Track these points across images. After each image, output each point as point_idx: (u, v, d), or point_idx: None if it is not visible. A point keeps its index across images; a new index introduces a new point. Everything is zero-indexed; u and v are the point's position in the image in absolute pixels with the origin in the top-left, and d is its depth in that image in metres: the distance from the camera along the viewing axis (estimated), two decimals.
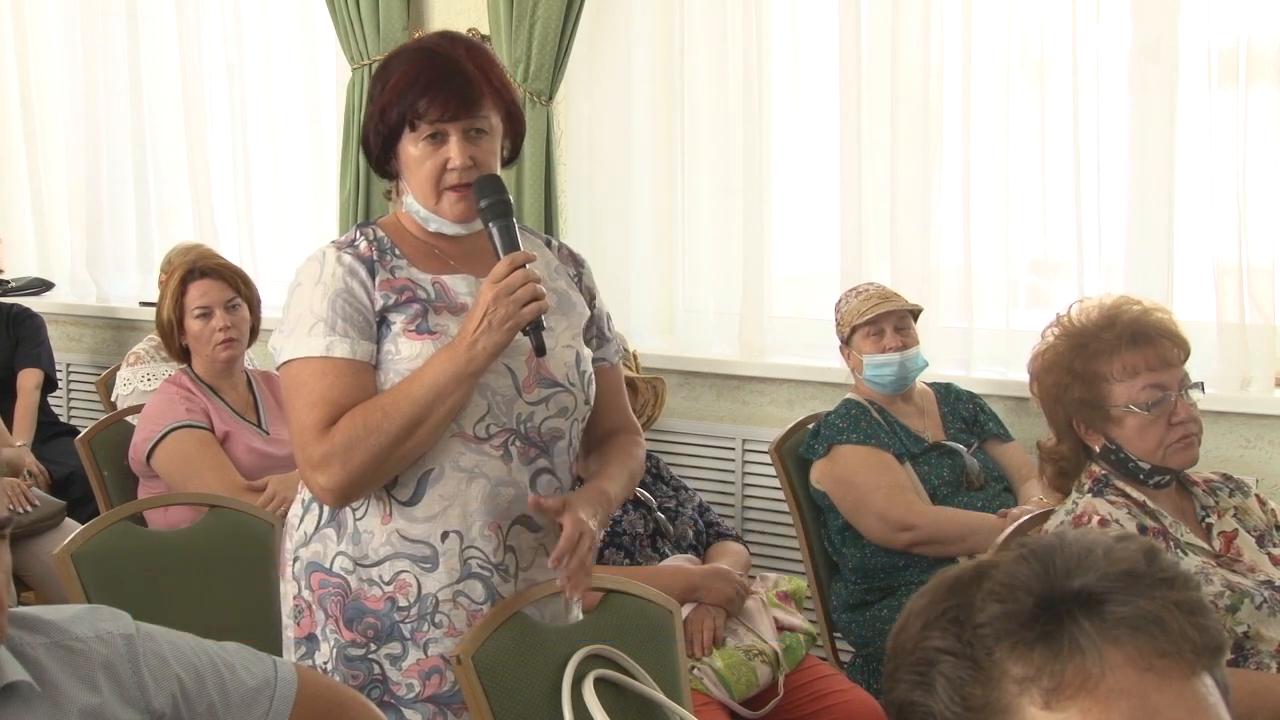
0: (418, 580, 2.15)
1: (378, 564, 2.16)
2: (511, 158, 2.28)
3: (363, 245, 2.20)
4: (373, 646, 2.16)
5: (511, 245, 2.13)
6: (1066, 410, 2.46)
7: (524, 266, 2.09)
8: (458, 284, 2.20)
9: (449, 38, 2.26)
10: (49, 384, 4.96)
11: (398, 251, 2.20)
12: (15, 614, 1.44)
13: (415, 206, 2.21)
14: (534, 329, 2.09)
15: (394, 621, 2.16)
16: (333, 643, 2.18)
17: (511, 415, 2.17)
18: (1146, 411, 2.38)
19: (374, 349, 2.15)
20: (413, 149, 2.17)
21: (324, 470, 2.10)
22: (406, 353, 2.14)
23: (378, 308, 2.15)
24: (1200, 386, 2.44)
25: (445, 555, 2.15)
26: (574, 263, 2.37)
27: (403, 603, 2.15)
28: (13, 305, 5.07)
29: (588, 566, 2.18)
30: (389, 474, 2.13)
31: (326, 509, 2.20)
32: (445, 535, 2.15)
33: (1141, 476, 2.41)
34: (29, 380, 4.87)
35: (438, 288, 2.19)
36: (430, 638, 2.16)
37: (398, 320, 2.15)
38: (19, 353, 4.92)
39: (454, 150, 2.14)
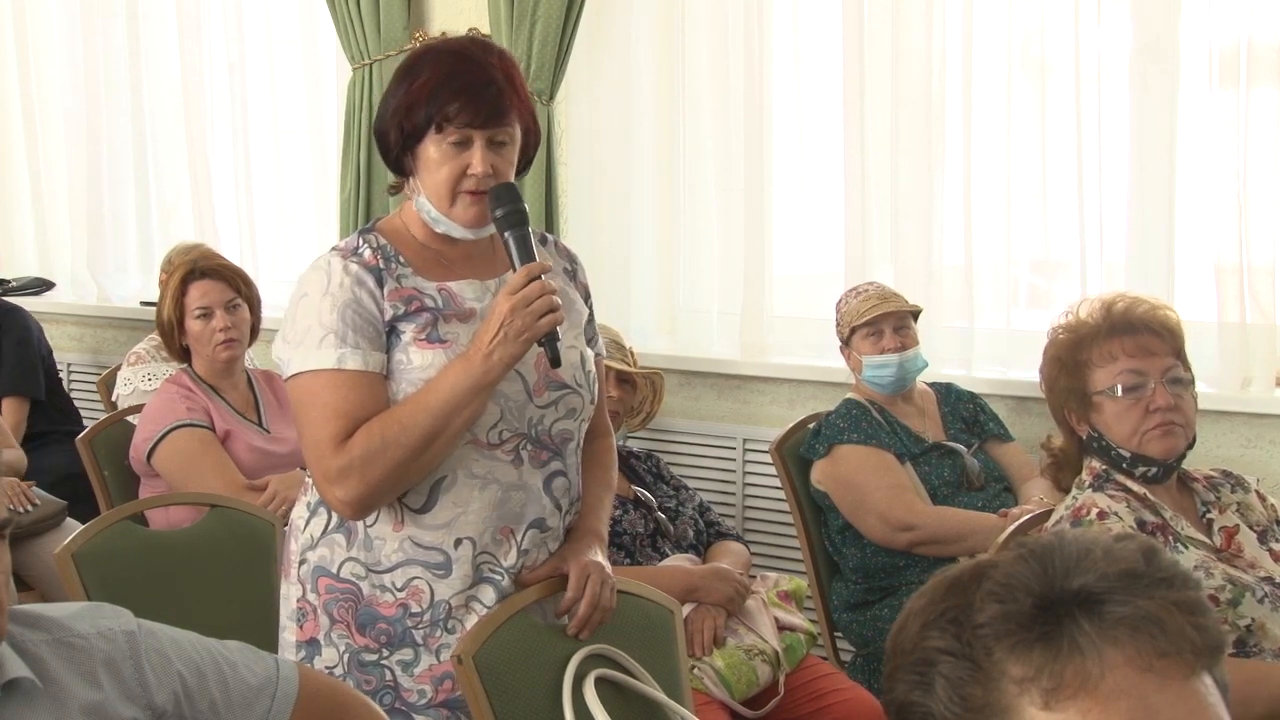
0: (430, 587, 2.15)
1: (390, 570, 2.16)
2: (521, 170, 2.28)
3: (367, 253, 2.18)
4: (385, 652, 2.16)
5: (528, 255, 2.13)
6: (1058, 399, 2.48)
7: (540, 277, 2.09)
8: (464, 290, 2.20)
9: (481, 44, 2.25)
10: (40, 398, 4.55)
11: (402, 259, 2.19)
12: (17, 611, 1.44)
13: (426, 206, 2.20)
14: (549, 340, 2.09)
15: (406, 628, 2.16)
16: (343, 648, 2.17)
17: (523, 420, 2.17)
18: (1121, 397, 2.39)
19: (385, 359, 2.14)
20: (434, 150, 2.15)
21: (342, 484, 2.09)
22: (419, 362, 2.13)
23: (387, 318, 2.14)
24: (1190, 381, 2.44)
25: (458, 562, 2.15)
26: (569, 259, 2.37)
27: (415, 609, 2.15)
28: (4, 304, 4.77)
29: (605, 605, 2.22)
30: (406, 485, 2.13)
31: (335, 514, 2.19)
32: (458, 542, 2.15)
33: (1125, 465, 2.42)
34: (9, 416, 4.40)
35: (444, 295, 2.18)
36: (443, 643, 2.16)
37: (408, 330, 2.14)
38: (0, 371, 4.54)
39: (477, 157, 2.13)
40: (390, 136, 2.20)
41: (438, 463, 2.12)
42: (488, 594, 2.17)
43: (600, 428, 2.39)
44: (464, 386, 2.07)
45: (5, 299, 4.95)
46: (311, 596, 2.20)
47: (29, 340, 4.65)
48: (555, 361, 2.11)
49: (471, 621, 2.15)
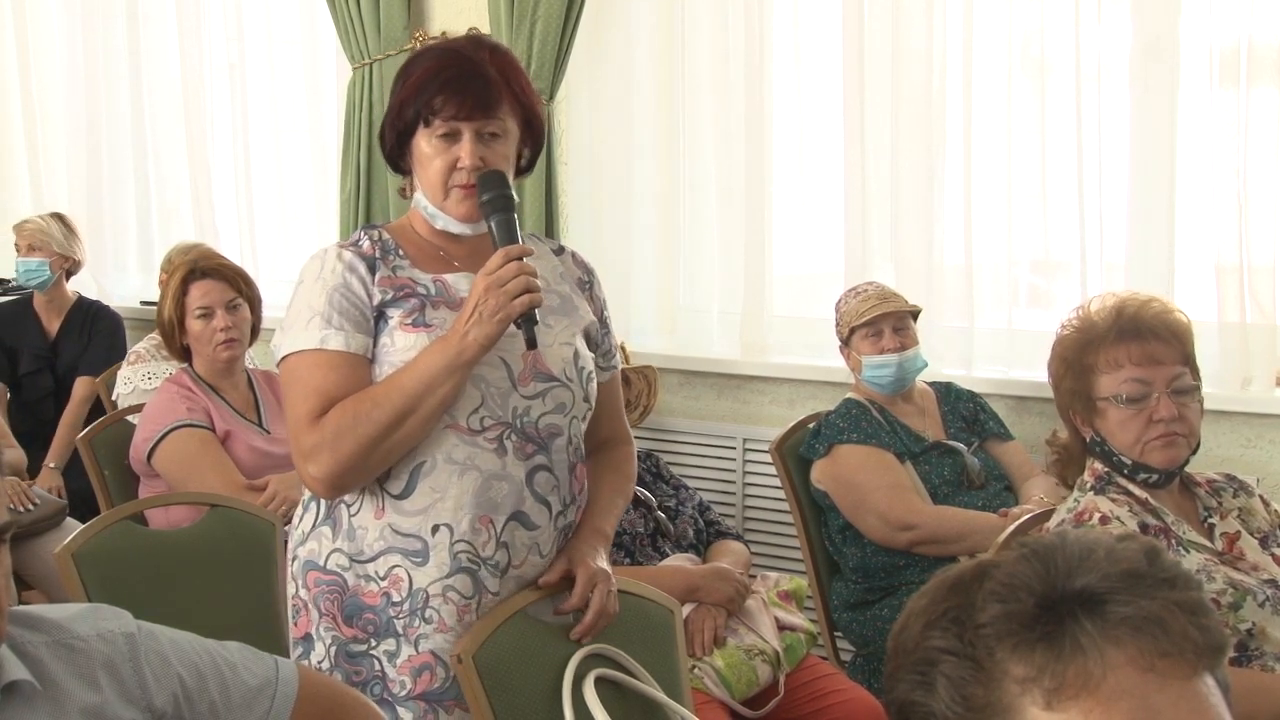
0: (409, 574, 2.16)
1: (372, 559, 2.17)
2: (529, 165, 2.29)
3: (365, 244, 2.22)
4: (373, 643, 2.17)
5: (509, 239, 2.14)
6: (1063, 399, 2.48)
7: (520, 260, 2.10)
8: (459, 282, 2.21)
9: (475, 40, 2.28)
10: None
11: (401, 253, 2.22)
12: (16, 612, 1.44)
13: (424, 203, 2.23)
14: (526, 321, 2.09)
15: (389, 617, 2.16)
16: (330, 640, 2.18)
17: (506, 408, 2.17)
18: (1125, 406, 2.38)
19: (370, 342, 2.16)
20: (425, 145, 2.18)
21: (314, 460, 2.11)
22: (401, 344, 2.15)
23: (376, 302, 2.17)
24: (1196, 388, 2.43)
25: (435, 549, 2.15)
26: (585, 271, 2.38)
27: (396, 597, 2.16)
28: (93, 303, 5.01)
29: (609, 611, 2.22)
30: (379, 465, 2.13)
31: (322, 508, 2.21)
32: (435, 529, 2.15)
33: (1126, 472, 2.42)
34: (81, 390, 4.69)
35: (438, 285, 2.20)
36: (421, 633, 2.16)
37: (395, 314, 2.17)
38: (85, 356, 4.79)
39: (465, 150, 2.15)
40: (387, 136, 2.24)
41: (411, 443, 2.13)
42: (465, 584, 2.16)
43: (620, 435, 2.41)
44: (438, 366, 2.08)
45: (92, 299, 5.06)
46: (302, 592, 2.22)
47: (118, 334, 4.92)
48: (531, 343, 2.11)
49: (449, 612, 2.15)
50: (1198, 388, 2.44)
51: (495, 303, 2.07)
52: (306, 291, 2.18)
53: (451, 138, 2.16)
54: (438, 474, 2.15)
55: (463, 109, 2.15)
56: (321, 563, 2.20)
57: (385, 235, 2.24)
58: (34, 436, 4.55)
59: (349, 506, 2.18)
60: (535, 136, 2.27)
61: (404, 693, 2.16)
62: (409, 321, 2.16)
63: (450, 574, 2.16)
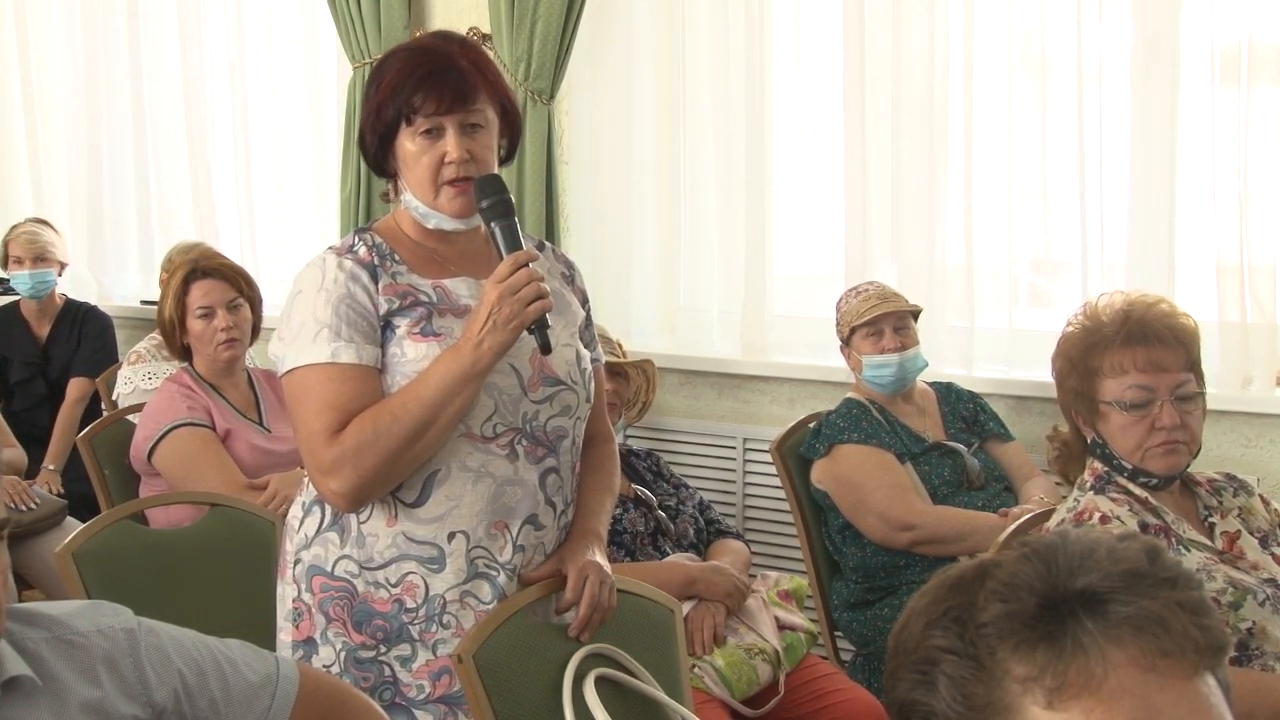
0: (425, 581, 2.16)
1: (383, 566, 2.16)
2: (508, 156, 2.29)
3: (362, 250, 2.20)
4: (382, 649, 2.16)
5: (514, 244, 2.13)
6: (1066, 397, 2.48)
7: (527, 265, 2.10)
8: (458, 287, 2.21)
9: (442, 36, 2.28)
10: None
11: (397, 257, 2.20)
12: (16, 609, 1.44)
13: (414, 203, 2.21)
14: (539, 327, 2.09)
15: (402, 623, 2.16)
16: (339, 646, 2.18)
17: (518, 414, 2.18)
18: (1128, 411, 2.38)
19: (379, 353, 2.15)
20: (410, 145, 2.17)
21: (335, 475, 2.10)
22: (412, 355, 2.14)
23: (382, 312, 2.16)
24: (1199, 394, 2.43)
25: (452, 556, 2.15)
26: (566, 265, 2.38)
27: (410, 604, 2.16)
28: (82, 304, 5.00)
29: (605, 605, 2.22)
30: (399, 476, 2.13)
31: (328, 512, 2.20)
32: (452, 536, 2.15)
33: (1126, 475, 2.41)
34: (75, 391, 4.70)
35: (439, 291, 2.19)
36: (439, 639, 2.16)
37: (402, 324, 2.15)
38: (77, 357, 4.79)
39: (451, 144, 2.15)
40: (367, 141, 2.22)
41: (430, 453, 2.12)
42: (484, 590, 2.17)
43: (603, 433, 2.40)
44: (454, 376, 2.08)
45: (80, 301, 5.04)
46: (306, 596, 2.21)
47: (107, 333, 4.91)
48: (545, 348, 2.11)
49: (468, 617, 2.16)
50: (1201, 394, 2.43)
51: (509, 310, 2.06)
52: (309, 302, 2.15)
53: (435, 134, 2.15)
54: (452, 482, 2.15)
55: (443, 103, 2.14)
56: (329, 569, 2.19)
57: (379, 239, 2.22)
58: (29, 442, 4.53)
59: (358, 514, 2.18)
60: (512, 126, 2.26)
61: (421, 696, 2.16)
62: (417, 331, 2.15)
63: (467, 580, 2.16)
